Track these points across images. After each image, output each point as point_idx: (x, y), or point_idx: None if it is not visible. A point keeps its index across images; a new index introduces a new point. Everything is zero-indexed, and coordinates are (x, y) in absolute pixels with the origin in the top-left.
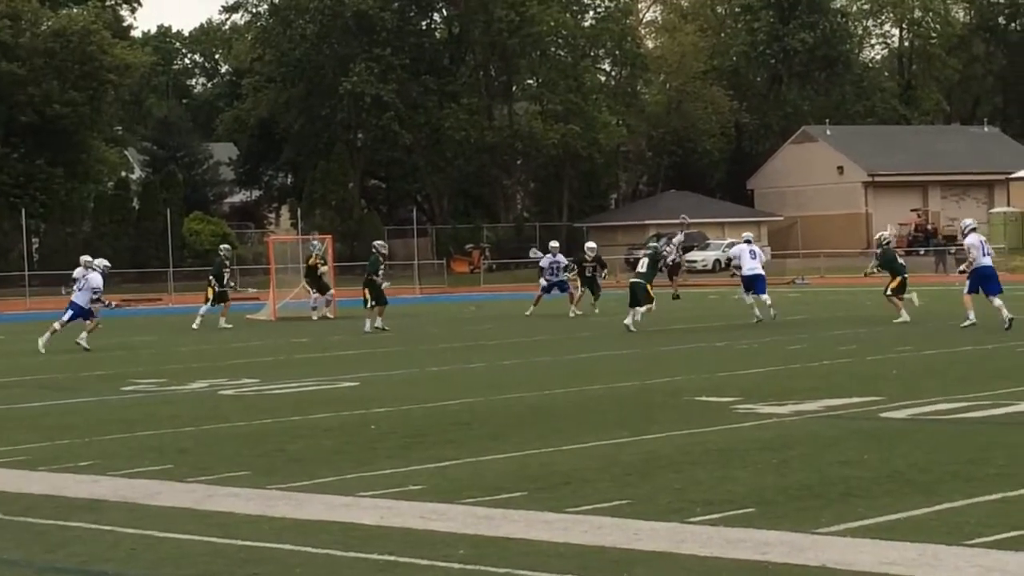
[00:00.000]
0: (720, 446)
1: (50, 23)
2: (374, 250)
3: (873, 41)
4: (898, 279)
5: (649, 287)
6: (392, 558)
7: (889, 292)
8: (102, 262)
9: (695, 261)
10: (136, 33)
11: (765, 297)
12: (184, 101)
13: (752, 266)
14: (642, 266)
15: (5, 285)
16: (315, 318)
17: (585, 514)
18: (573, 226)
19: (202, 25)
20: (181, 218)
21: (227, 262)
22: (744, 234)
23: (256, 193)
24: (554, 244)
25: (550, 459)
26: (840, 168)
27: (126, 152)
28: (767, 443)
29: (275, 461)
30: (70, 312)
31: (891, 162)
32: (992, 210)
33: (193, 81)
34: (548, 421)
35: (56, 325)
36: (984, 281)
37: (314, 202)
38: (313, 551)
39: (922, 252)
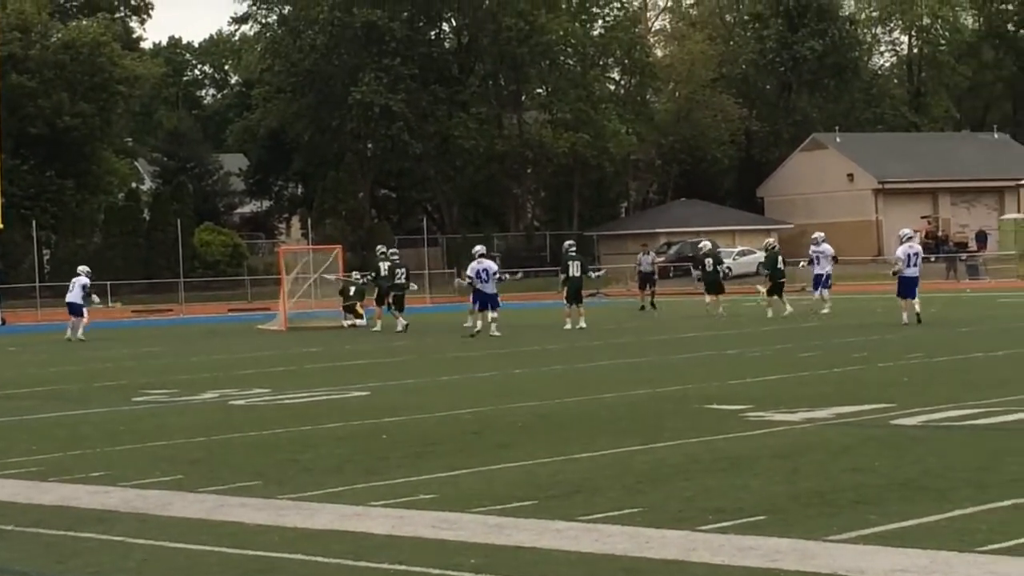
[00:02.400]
0: (731, 454)
1: (60, 35)
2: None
3: (882, 48)
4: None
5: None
6: (403, 568)
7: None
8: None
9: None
10: (146, 45)
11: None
12: (194, 112)
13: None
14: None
15: (16, 296)
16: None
17: (596, 522)
18: (583, 235)
19: (212, 36)
20: (192, 229)
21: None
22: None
23: (267, 203)
24: (478, 248)
25: (561, 467)
26: (850, 175)
27: (136, 163)
28: (778, 451)
29: (286, 471)
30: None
31: (901, 169)
32: (1003, 217)
33: (203, 92)
34: (559, 429)
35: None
36: (903, 287)
37: (324, 212)
38: (324, 561)
39: (933, 259)
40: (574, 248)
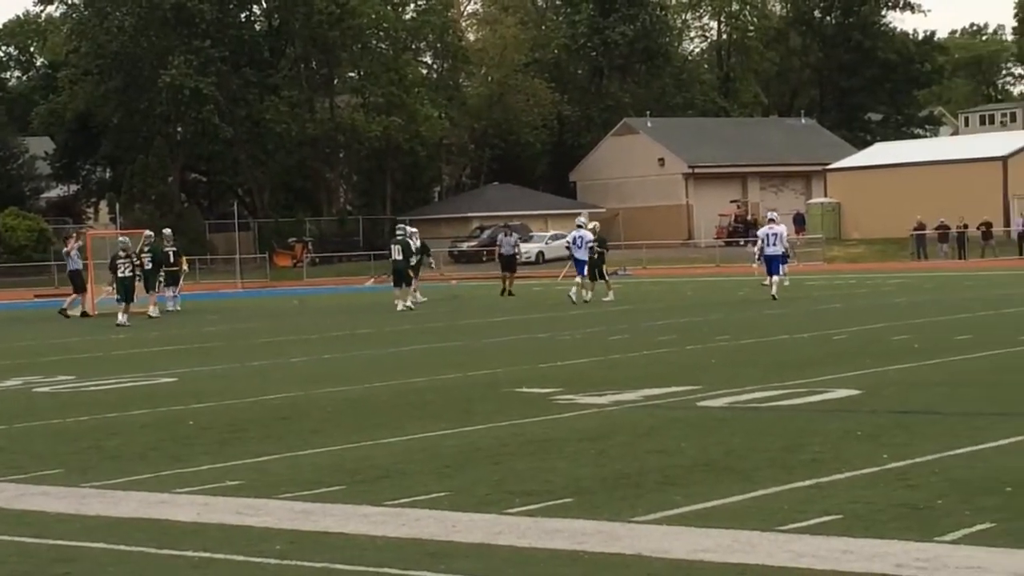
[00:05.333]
0: (540, 437)
1: None
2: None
3: (692, 34)
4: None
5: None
6: (207, 555)
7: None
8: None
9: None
10: None
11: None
12: None
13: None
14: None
15: None
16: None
17: (403, 507)
18: (396, 219)
19: (17, 17)
20: None
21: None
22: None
23: (74, 188)
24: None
25: (369, 452)
26: (661, 160)
27: None
28: (586, 433)
29: (90, 458)
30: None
31: (711, 154)
32: (810, 201)
33: (7, 74)
34: (368, 414)
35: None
36: (767, 264)
37: (133, 196)
38: (127, 549)
39: (742, 243)
40: (401, 232)
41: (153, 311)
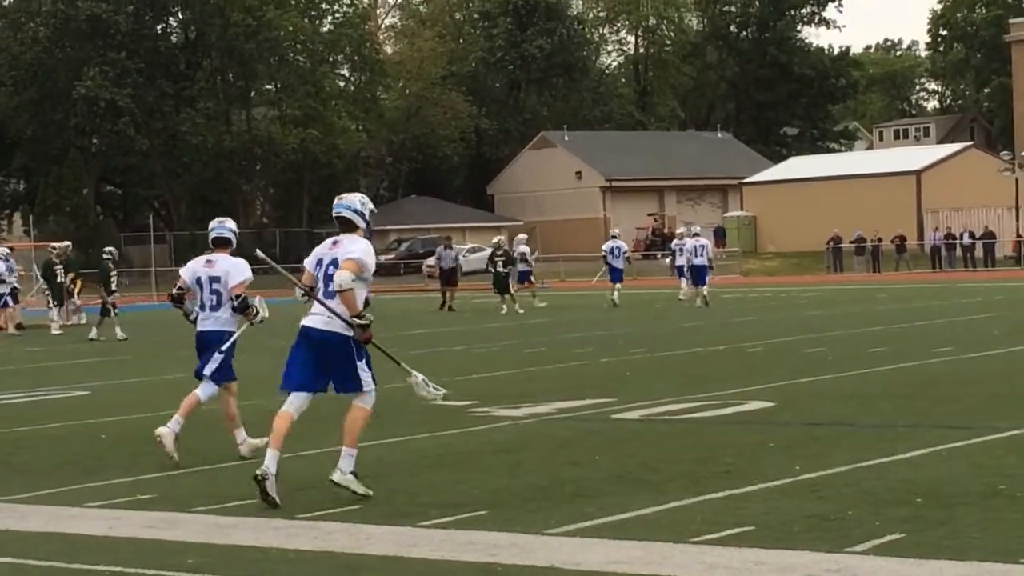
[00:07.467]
0: (455, 449)
1: None
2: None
3: (609, 48)
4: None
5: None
6: (119, 569)
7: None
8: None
9: (433, 266)
10: None
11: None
12: None
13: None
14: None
15: None
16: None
17: (316, 520)
18: (313, 232)
19: None
20: None
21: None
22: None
23: None
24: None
25: (284, 465)
26: (578, 173)
27: None
28: (501, 445)
29: None
30: None
31: (628, 167)
32: (726, 214)
33: None
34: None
35: None
36: (693, 275)
37: (47, 209)
38: (36, 563)
39: (659, 256)
40: None
41: (55, 328)
